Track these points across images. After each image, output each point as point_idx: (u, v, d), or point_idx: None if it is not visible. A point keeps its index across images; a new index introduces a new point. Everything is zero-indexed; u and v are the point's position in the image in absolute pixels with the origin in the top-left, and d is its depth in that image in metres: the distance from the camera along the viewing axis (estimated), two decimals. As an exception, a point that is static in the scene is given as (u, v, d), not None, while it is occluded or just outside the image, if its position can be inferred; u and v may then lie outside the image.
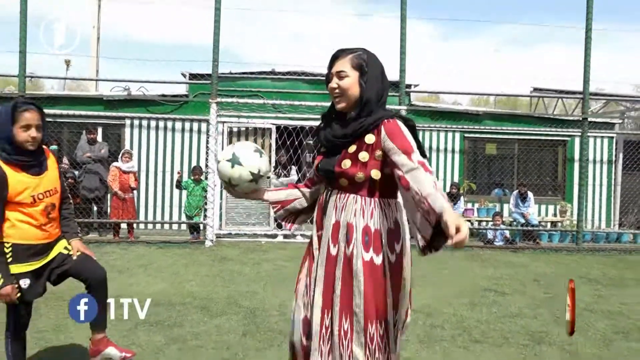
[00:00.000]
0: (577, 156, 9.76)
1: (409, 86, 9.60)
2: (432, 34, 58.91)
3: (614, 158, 10.97)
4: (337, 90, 1.99)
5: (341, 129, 2.02)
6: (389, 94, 9.21)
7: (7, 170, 2.60)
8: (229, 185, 2.20)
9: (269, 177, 2.00)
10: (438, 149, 10.51)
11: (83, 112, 9.35)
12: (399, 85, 8.68)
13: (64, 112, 8.93)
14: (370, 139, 1.96)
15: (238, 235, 8.85)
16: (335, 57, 2.03)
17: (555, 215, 10.73)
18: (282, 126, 9.70)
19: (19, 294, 2.66)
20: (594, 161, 10.77)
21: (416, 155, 1.88)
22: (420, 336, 3.97)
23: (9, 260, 2.64)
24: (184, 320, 4.22)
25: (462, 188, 10.16)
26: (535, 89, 13.51)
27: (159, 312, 4.41)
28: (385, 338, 1.94)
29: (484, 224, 9.99)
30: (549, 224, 10.44)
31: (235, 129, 9.72)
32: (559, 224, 10.37)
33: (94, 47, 17.05)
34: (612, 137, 10.98)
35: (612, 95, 12.68)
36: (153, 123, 9.92)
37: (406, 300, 1.99)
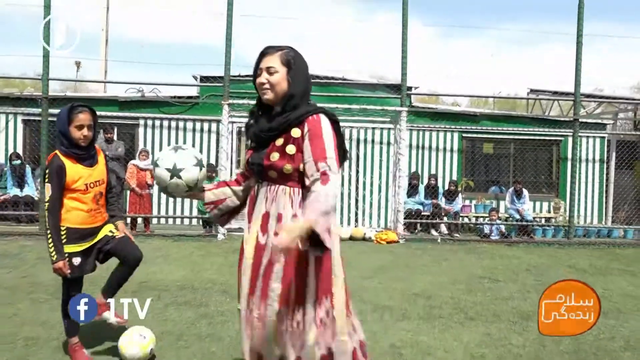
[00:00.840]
0: (570, 155, 10.22)
1: (409, 88, 10.07)
2: (431, 35, 59.36)
3: (605, 157, 11.44)
4: (266, 85, 2.06)
5: (267, 123, 2.09)
6: (392, 96, 9.66)
7: (66, 161, 3.08)
8: (165, 191, 2.25)
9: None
10: (437, 148, 10.99)
11: (99, 113, 9.81)
12: (400, 88, 9.15)
13: (82, 112, 9.38)
14: (296, 132, 2.04)
15: (248, 230, 9.31)
16: (264, 54, 2.10)
17: (549, 211, 11.20)
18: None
19: (69, 270, 3.12)
20: (587, 160, 11.24)
21: (322, 164, 1.97)
22: (421, 314, 4.45)
23: (63, 241, 3.12)
24: (208, 301, 4.69)
25: (460, 185, 10.65)
26: (532, 91, 14.01)
27: (185, 294, 4.90)
28: (302, 323, 2.02)
29: (480, 219, 10.46)
30: (543, 220, 10.91)
31: (244, 129, 10.20)
32: (553, 220, 10.84)
33: (103, 49, 17.55)
34: (604, 137, 11.45)
35: (604, 97, 13.16)
36: (165, 123, 10.42)
37: (338, 287, 2.06)
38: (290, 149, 2.02)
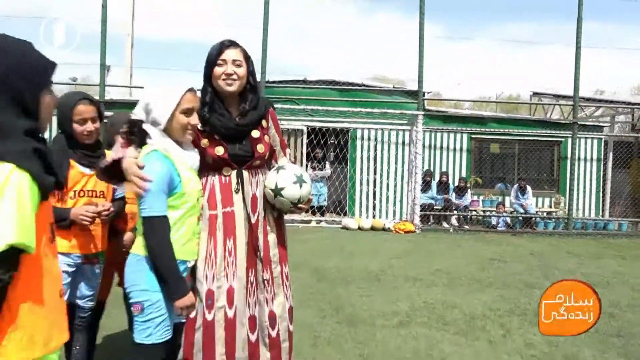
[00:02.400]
0: (569, 155, 11.18)
1: (423, 94, 11.05)
2: (432, 37, 60.24)
3: (602, 157, 12.39)
4: (233, 76, 2.18)
5: (241, 117, 2.24)
6: (409, 101, 10.72)
7: None
8: (295, 205, 2.30)
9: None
10: (448, 148, 11.95)
11: (141, 115, 10.83)
12: (417, 93, 10.16)
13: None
14: (265, 123, 2.32)
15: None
16: (227, 46, 2.21)
17: (550, 206, 12.18)
18: (313, 128, 11.21)
19: None
20: (585, 159, 12.19)
21: (287, 151, 2.46)
22: (445, 283, 5.47)
23: None
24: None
25: (469, 182, 11.63)
26: (535, 94, 15.04)
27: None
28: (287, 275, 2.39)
29: (488, 212, 11.45)
30: (545, 214, 11.90)
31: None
32: (554, 214, 11.82)
33: (128, 54, 18.48)
34: (601, 139, 12.41)
35: (602, 101, 14.14)
36: (201, 125, 11.38)
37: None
38: (267, 139, 2.30)
